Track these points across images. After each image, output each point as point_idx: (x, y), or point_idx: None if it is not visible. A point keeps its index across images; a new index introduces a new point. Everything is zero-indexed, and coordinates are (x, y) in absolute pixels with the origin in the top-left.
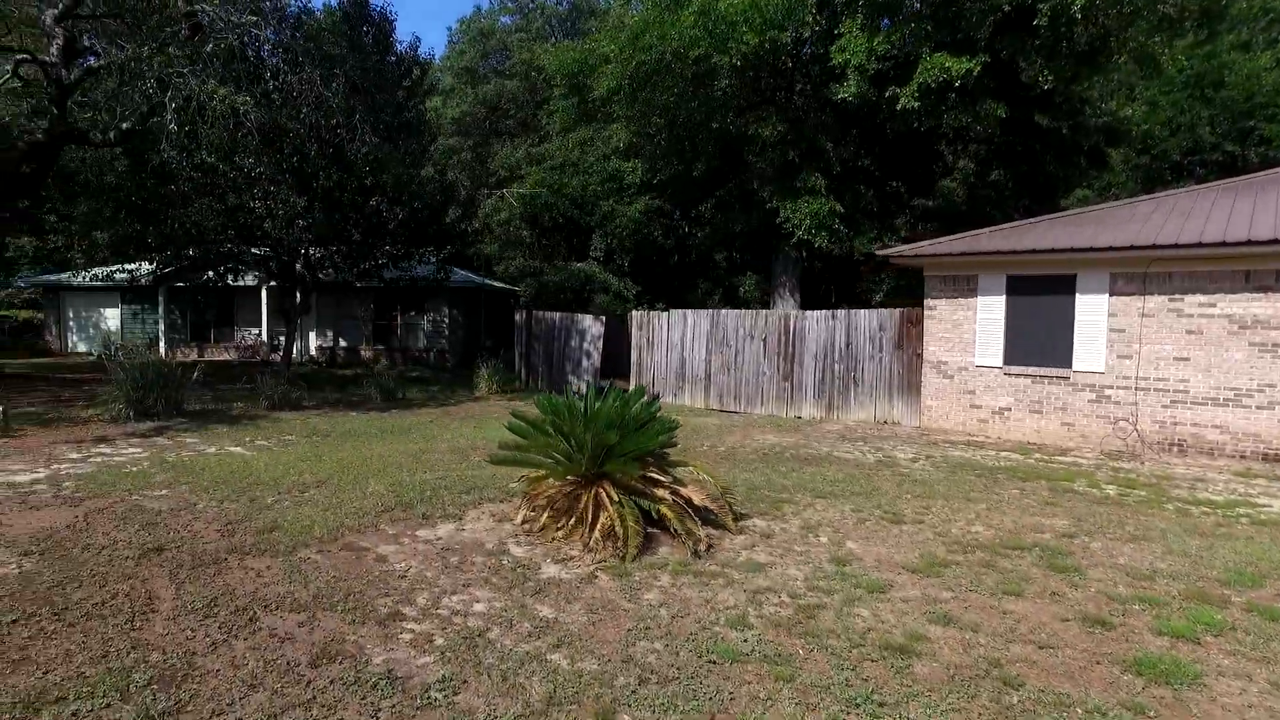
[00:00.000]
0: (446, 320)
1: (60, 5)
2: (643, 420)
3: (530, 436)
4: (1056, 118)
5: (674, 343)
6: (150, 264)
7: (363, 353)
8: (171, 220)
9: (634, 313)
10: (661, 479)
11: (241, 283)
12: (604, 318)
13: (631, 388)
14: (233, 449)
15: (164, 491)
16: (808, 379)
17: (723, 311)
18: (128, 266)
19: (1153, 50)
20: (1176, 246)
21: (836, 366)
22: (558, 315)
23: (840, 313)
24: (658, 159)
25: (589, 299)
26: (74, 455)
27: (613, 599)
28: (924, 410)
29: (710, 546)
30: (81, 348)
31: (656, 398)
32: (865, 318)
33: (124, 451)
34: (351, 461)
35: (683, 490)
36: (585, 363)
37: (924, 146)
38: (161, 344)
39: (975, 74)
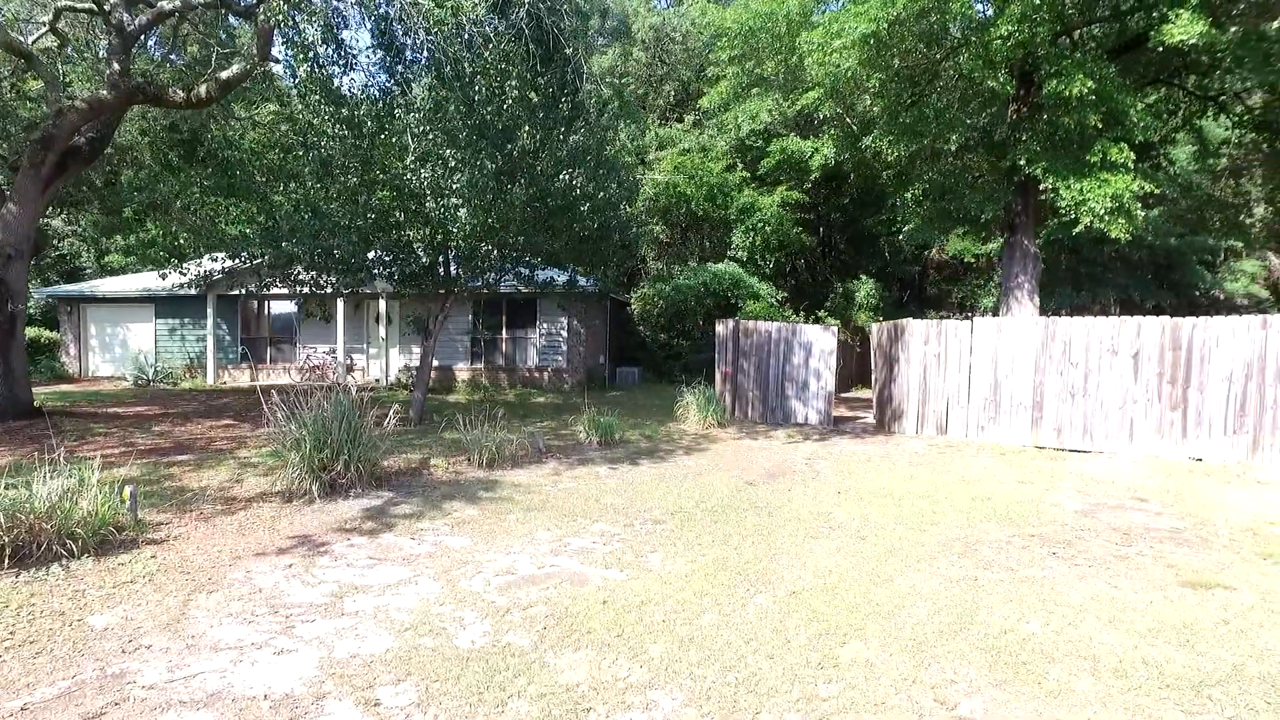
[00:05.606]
0: (564, 334)
1: None
2: None
3: None
4: None
5: (982, 361)
6: (245, 261)
7: (458, 373)
8: (289, 203)
9: (910, 321)
10: None
11: (290, 292)
12: (834, 329)
13: (907, 420)
14: (556, 560)
15: None
16: (1213, 409)
17: (1061, 320)
18: (231, 263)
19: None
20: None
21: (1269, 392)
22: (774, 326)
23: (1275, 319)
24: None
25: (736, 306)
26: (302, 595)
27: None
28: None
29: None
30: (105, 370)
31: None
32: None
33: (374, 577)
34: (850, 597)
35: None
36: (814, 385)
37: None
38: (210, 365)
39: None
